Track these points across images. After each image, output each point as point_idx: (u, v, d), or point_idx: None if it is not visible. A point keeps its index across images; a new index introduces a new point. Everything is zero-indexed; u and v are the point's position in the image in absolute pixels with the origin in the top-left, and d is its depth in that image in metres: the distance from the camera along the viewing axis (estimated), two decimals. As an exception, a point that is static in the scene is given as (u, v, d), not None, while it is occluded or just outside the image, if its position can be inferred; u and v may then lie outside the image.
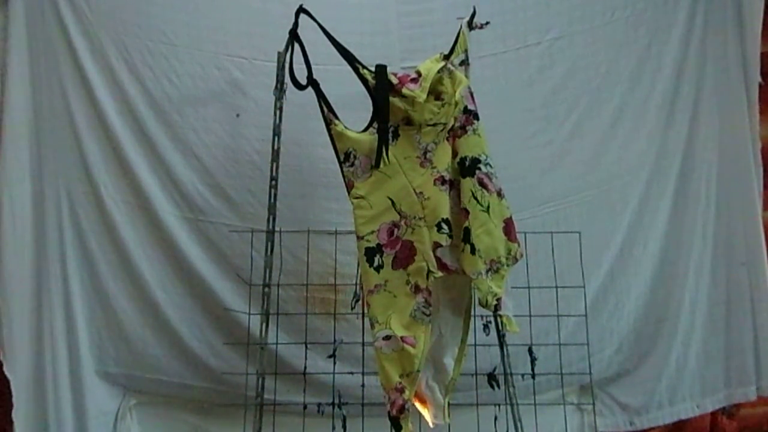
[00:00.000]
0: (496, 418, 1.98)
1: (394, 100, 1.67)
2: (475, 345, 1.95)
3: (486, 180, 1.75)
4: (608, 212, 2.34)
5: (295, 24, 1.82)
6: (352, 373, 1.99)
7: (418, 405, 1.86)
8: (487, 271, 1.73)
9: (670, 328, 2.39)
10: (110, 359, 2.18)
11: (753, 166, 2.38)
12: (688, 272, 2.38)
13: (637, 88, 2.34)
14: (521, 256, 1.82)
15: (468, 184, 1.74)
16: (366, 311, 1.74)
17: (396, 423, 1.69)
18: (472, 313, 1.85)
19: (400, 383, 1.68)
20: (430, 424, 1.86)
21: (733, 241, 2.40)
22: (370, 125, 1.71)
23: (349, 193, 1.71)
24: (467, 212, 1.73)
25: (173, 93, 2.13)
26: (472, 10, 1.89)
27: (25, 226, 2.05)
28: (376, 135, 1.68)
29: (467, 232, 1.72)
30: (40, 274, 2.08)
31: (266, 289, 1.90)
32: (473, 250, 1.71)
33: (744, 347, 2.41)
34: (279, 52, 1.89)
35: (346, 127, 1.71)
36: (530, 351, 2.03)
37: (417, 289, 1.71)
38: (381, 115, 1.67)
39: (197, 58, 2.13)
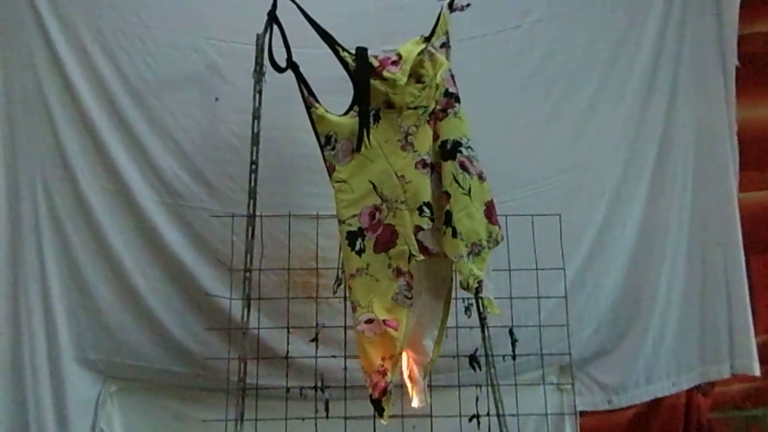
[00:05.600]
0: (477, 399, 2.00)
1: (375, 83, 1.67)
2: (457, 327, 1.96)
3: (467, 163, 1.76)
4: (587, 195, 2.36)
5: (274, 5, 1.79)
6: (334, 356, 1.99)
7: (409, 385, 1.87)
8: (469, 254, 1.74)
9: (647, 308, 2.43)
10: (89, 346, 2.15)
11: (729, 149, 2.42)
12: (665, 253, 2.42)
13: (614, 72, 2.36)
14: (502, 238, 1.83)
15: (449, 167, 1.74)
16: (348, 295, 1.75)
17: (378, 405, 1.70)
18: (454, 295, 1.86)
19: (383, 366, 1.69)
20: (415, 405, 1.87)
21: (710, 222, 2.45)
22: (350, 108, 1.69)
23: (330, 177, 1.71)
24: (448, 195, 1.73)
25: (150, 76, 2.09)
26: (452, -7, 1.89)
27: (0, 214, 2.01)
28: (357, 118, 1.67)
29: (449, 215, 1.73)
30: (16, 262, 2.05)
31: (247, 274, 1.90)
32: (455, 233, 1.72)
33: (718, 326, 2.47)
34: (258, 35, 1.87)
35: (326, 111, 1.70)
36: (511, 332, 2.04)
37: (399, 272, 1.71)
38: (362, 99, 1.66)
39: (174, 40, 2.09)
